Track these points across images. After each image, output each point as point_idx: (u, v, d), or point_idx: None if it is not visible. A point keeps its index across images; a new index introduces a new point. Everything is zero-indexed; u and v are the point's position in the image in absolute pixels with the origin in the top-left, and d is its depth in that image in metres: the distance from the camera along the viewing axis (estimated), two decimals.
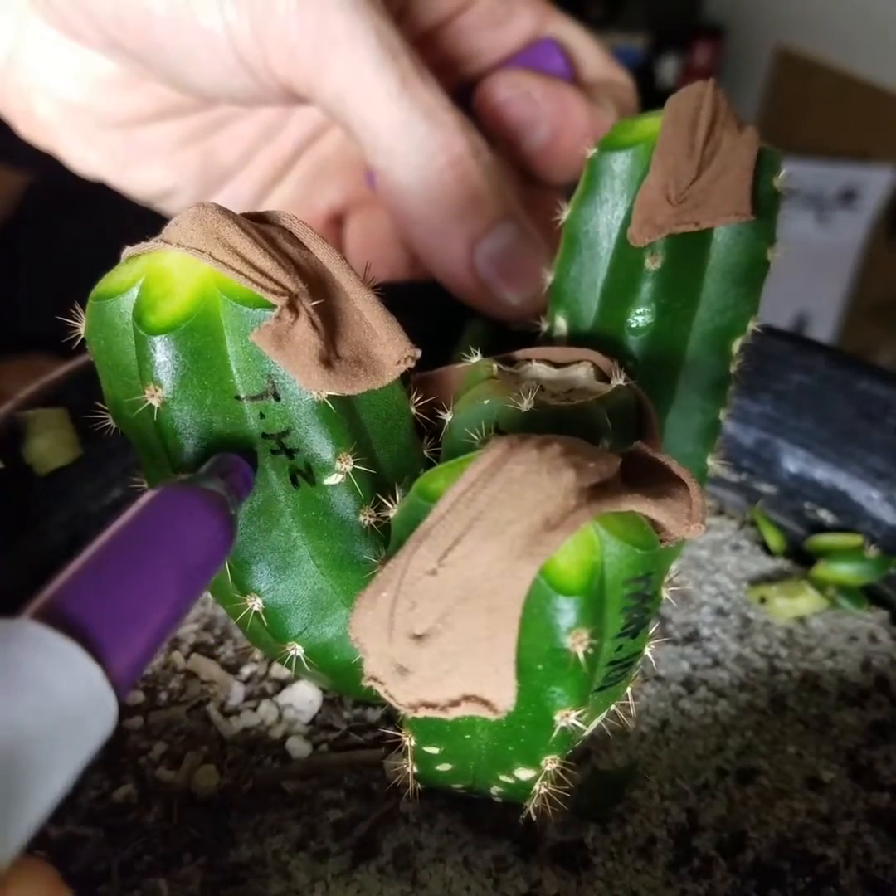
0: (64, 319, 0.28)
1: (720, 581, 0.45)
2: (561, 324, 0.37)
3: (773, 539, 0.47)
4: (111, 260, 0.28)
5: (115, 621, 0.20)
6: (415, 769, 0.30)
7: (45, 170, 0.54)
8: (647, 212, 0.33)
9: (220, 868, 0.32)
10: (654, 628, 0.26)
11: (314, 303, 0.26)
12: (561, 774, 0.28)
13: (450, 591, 0.22)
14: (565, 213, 0.36)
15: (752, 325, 0.36)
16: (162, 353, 0.26)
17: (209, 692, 0.38)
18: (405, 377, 0.30)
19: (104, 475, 0.42)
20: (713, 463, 0.39)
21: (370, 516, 0.30)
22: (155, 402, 0.27)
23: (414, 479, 0.25)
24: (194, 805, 0.34)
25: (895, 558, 0.43)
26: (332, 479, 0.29)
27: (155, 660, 0.39)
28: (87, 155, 0.51)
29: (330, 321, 0.27)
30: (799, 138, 1.86)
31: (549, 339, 0.38)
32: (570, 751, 0.28)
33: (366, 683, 0.24)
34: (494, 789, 0.30)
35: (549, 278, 0.37)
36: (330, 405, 0.28)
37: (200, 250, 0.26)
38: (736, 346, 0.36)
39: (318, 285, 0.27)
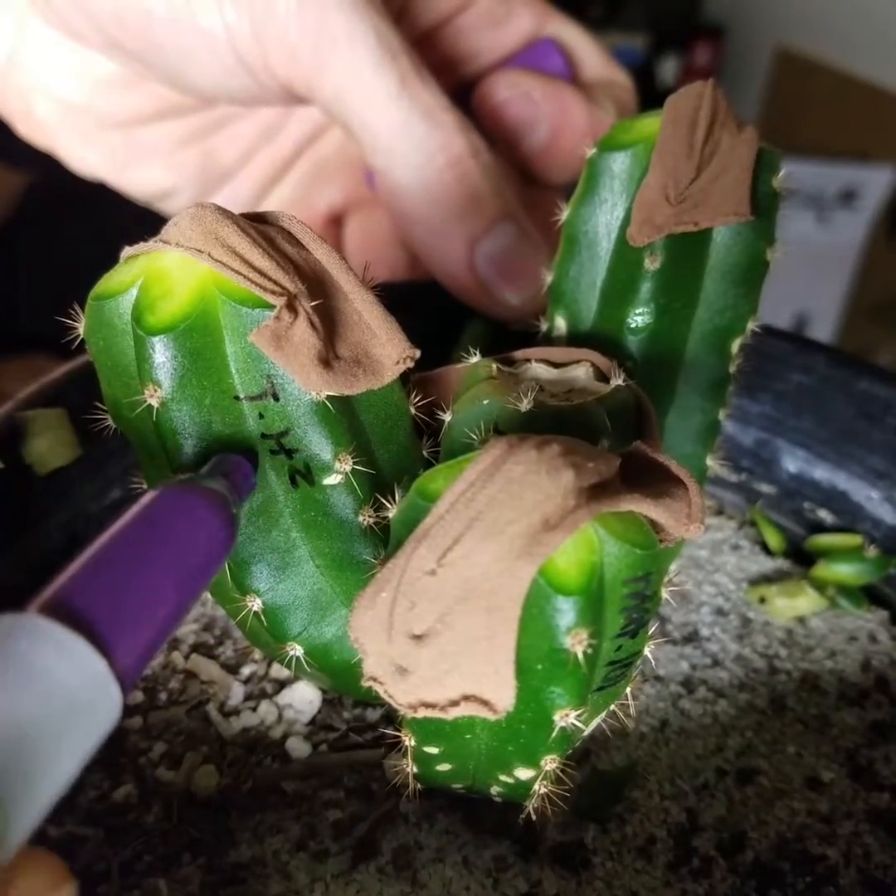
0: (63, 319, 0.28)
1: (720, 581, 0.45)
2: (560, 324, 0.37)
3: (773, 539, 0.47)
4: (111, 260, 0.28)
5: (118, 617, 0.20)
6: (414, 769, 0.30)
7: (45, 170, 0.54)
8: (647, 212, 0.33)
9: (219, 868, 0.32)
10: (653, 628, 0.26)
11: (313, 303, 0.26)
12: (561, 774, 0.28)
13: (449, 591, 0.22)
14: (564, 214, 0.36)
15: (751, 325, 0.36)
16: (161, 354, 0.26)
17: (209, 692, 0.38)
18: (404, 377, 0.30)
19: (104, 475, 0.42)
20: (713, 463, 0.39)
21: (369, 516, 0.30)
22: (154, 403, 0.27)
23: (413, 480, 0.25)
24: (194, 805, 0.34)
25: (895, 558, 0.43)
26: (331, 480, 0.29)
27: (155, 660, 0.39)
28: (87, 155, 0.51)
29: (329, 321, 0.27)
30: (799, 138, 1.86)
31: (549, 340, 0.38)
32: (570, 751, 0.28)
33: (365, 683, 0.24)
34: (494, 789, 0.30)
35: (549, 278, 0.37)
36: (329, 405, 0.27)
37: (199, 250, 0.26)
38: (735, 346, 0.36)
39: (317, 285, 0.27)
